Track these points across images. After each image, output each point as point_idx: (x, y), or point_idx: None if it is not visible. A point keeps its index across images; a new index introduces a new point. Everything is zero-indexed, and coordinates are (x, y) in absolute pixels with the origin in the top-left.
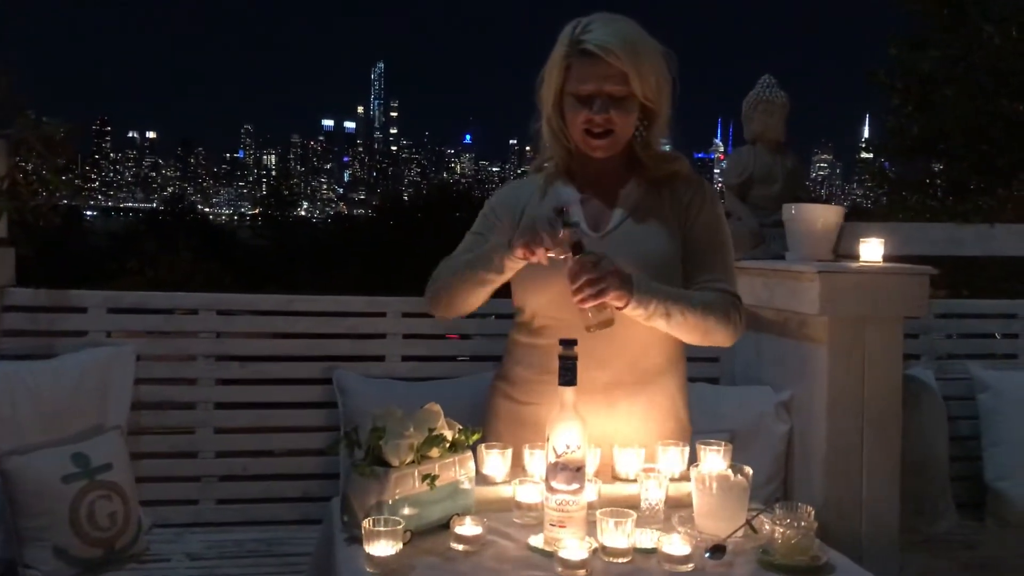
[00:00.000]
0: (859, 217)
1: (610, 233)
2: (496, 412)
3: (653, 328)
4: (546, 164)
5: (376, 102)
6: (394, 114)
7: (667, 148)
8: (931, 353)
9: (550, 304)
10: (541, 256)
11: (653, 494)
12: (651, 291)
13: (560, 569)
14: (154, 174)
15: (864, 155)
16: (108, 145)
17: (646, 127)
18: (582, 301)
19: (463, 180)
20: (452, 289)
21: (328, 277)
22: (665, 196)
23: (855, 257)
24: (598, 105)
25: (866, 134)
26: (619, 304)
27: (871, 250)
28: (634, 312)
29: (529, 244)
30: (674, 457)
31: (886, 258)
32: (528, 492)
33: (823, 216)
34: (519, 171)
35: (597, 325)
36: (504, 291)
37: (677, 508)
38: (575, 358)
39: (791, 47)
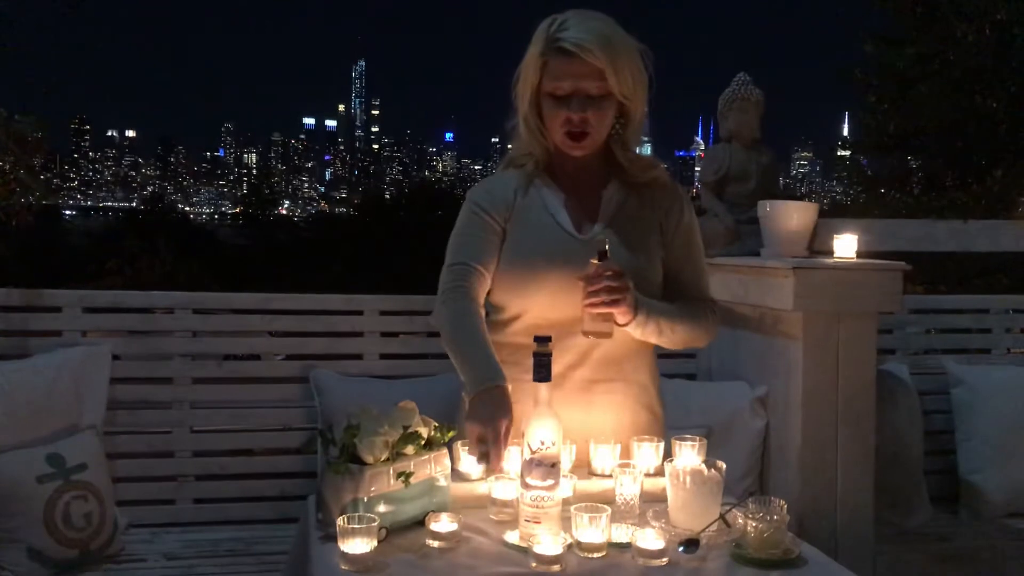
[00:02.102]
0: (838, 214)
1: (596, 237)
2: None
3: None
4: (523, 163)
5: (357, 100)
6: (375, 112)
7: (648, 149)
8: (905, 348)
9: (542, 306)
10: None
11: (628, 489)
12: (649, 310)
13: (535, 564)
14: (134, 173)
15: (842, 152)
16: (87, 144)
17: (623, 125)
18: (593, 306)
19: (445, 178)
20: (447, 348)
21: (310, 276)
22: (645, 200)
23: (829, 253)
24: (575, 104)
25: (845, 132)
26: (623, 320)
27: (845, 246)
28: (632, 330)
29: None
30: (649, 452)
31: (861, 254)
32: (503, 488)
33: (797, 213)
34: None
35: (596, 333)
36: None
37: (652, 503)
38: (549, 354)
39: (775, 45)
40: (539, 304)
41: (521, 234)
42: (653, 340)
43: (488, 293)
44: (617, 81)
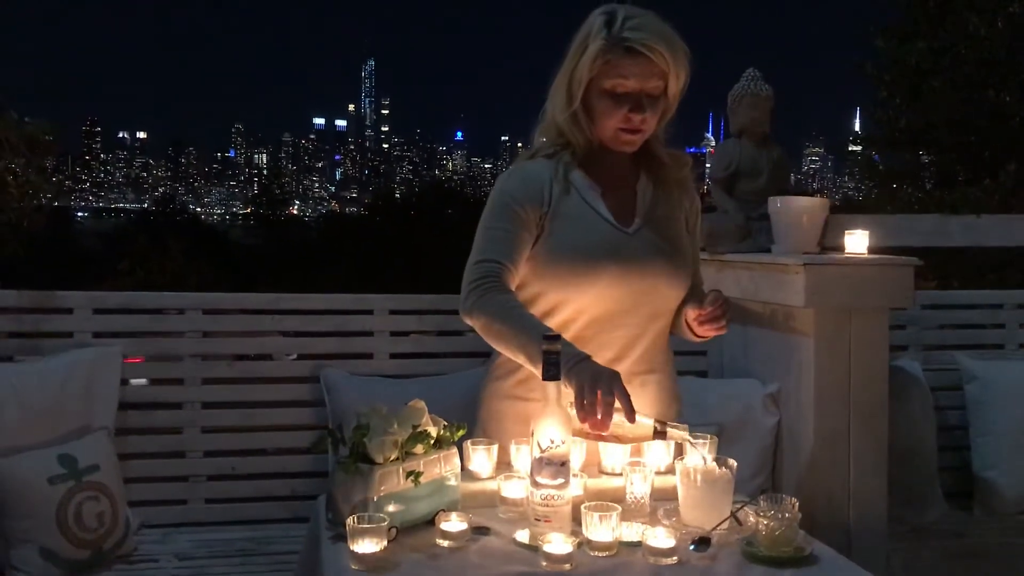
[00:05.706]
0: (850, 210)
1: (639, 230)
2: (501, 414)
3: (646, 323)
4: (552, 152)
5: (367, 100)
6: (385, 112)
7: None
8: (918, 344)
9: (586, 300)
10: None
11: (638, 487)
12: None
13: (545, 563)
14: (145, 174)
15: (853, 148)
16: (98, 146)
17: (658, 120)
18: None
19: (455, 177)
20: (491, 336)
21: (321, 276)
22: (672, 196)
23: (840, 249)
24: (638, 104)
25: (857, 127)
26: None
27: (856, 242)
28: None
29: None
30: (659, 450)
31: (873, 250)
32: (513, 487)
33: (808, 209)
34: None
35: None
36: None
37: (663, 501)
38: (559, 352)
39: (786, 39)
40: (584, 298)
41: (565, 227)
42: None
43: (519, 287)
44: (676, 82)
